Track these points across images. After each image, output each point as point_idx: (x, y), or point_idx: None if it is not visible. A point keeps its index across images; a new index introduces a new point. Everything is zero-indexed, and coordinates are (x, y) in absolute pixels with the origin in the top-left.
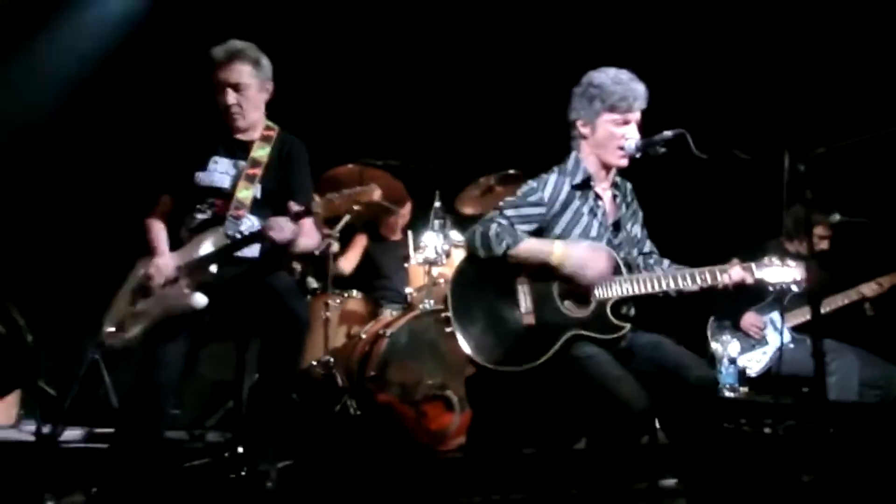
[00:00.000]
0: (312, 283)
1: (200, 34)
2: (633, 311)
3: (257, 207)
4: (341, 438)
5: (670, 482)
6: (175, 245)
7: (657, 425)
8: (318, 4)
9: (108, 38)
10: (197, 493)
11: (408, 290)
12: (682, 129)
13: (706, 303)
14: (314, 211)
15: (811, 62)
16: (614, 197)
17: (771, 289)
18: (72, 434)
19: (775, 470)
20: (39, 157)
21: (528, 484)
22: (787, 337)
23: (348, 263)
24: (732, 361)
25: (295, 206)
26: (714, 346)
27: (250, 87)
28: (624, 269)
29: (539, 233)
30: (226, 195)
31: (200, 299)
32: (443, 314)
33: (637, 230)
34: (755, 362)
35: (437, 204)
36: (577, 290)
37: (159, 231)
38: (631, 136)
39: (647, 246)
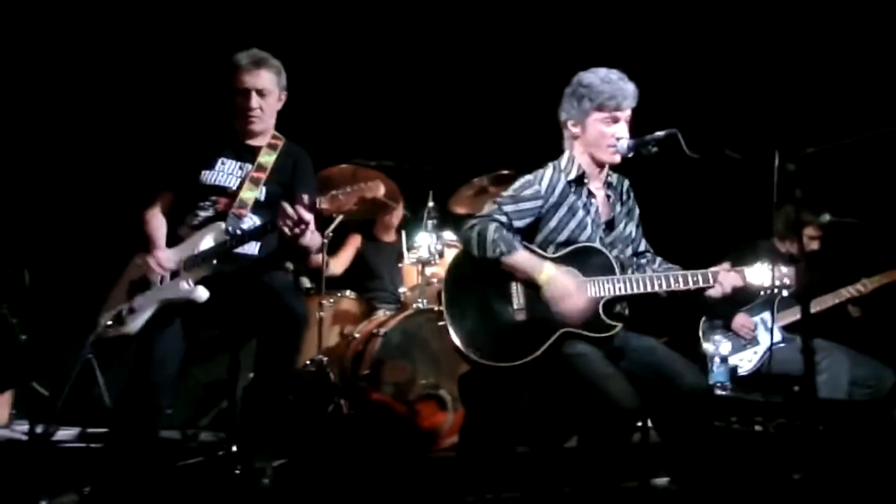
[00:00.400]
0: (306, 282)
1: (200, 34)
2: (626, 311)
3: (258, 209)
4: (334, 437)
5: (662, 480)
6: (172, 242)
7: (649, 424)
8: (312, 6)
9: None
10: (191, 492)
11: (401, 289)
12: (673, 128)
13: (698, 303)
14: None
15: (802, 62)
16: (608, 196)
17: (762, 293)
18: (65, 434)
19: (766, 467)
20: (36, 158)
21: (520, 483)
22: (777, 336)
23: (339, 264)
24: (723, 360)
25: (305, 198)
26: (706, 345)
27: (272, 94)
28: (617, 269)
29: (535, 225)
30: (230, 195)
31: (202, 293)
32: (437, 307)
33: (631, 228)
34: (746, 361)
35: (431, 204)
36: None
37: (159, 225)
38: (621, 135)
39: (642, 245)
